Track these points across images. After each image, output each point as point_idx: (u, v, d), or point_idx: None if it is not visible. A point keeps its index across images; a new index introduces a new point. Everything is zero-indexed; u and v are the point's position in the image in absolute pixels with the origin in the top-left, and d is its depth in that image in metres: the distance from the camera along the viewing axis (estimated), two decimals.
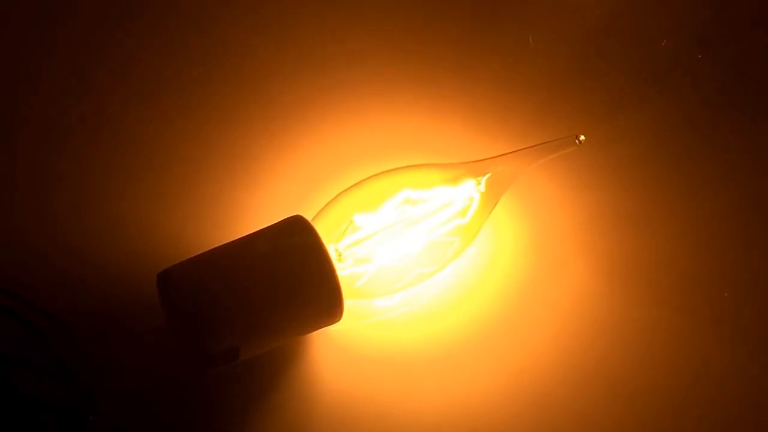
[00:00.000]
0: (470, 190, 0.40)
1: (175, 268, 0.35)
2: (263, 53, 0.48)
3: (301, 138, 0.46)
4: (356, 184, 0.39)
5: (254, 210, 0.43)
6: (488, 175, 0.40)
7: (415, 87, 0.48)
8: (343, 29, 0.50)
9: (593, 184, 0.45)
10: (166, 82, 0.47)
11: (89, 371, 0.37)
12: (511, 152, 0.40)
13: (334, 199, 0.39)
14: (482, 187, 0.40)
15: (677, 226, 0.44)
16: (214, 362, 0.34)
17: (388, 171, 0.40)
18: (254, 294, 0.34)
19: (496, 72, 0.49)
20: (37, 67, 0.48)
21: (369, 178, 0.39)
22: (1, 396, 0.36)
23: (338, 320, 0.36)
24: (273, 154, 0.45)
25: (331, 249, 0.37)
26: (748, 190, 0.46)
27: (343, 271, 0.37)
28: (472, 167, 0.40)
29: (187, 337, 0.35)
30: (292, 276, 0.34)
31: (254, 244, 0.35)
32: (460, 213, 0.39)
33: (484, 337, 0.40)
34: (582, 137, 0.39)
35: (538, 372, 0.39)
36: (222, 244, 0.36)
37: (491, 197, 0.40)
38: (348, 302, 0.36)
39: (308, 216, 0.37)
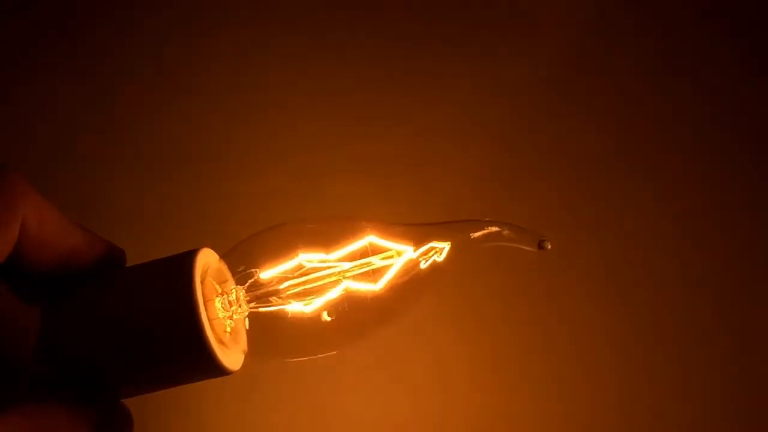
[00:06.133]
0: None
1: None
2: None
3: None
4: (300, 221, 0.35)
5: (244, 223, 0.40)
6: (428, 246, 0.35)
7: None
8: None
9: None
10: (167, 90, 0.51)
11: None
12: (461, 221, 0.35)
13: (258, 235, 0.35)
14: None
15: (665, 225, 0.47)
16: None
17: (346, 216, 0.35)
18: (125, 339, 0.31)
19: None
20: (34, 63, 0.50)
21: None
22: None
23: (225, 370, 0.33)
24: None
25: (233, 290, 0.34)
26: (745, 190, 0.48)
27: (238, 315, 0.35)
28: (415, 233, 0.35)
29: None
30: (157, 321, 0.31)
31: (132, 281, 0.32)
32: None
33: None
34: (548, 245, 0.33)
35: None
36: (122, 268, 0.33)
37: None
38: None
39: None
